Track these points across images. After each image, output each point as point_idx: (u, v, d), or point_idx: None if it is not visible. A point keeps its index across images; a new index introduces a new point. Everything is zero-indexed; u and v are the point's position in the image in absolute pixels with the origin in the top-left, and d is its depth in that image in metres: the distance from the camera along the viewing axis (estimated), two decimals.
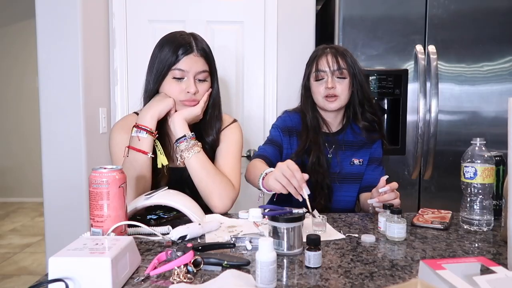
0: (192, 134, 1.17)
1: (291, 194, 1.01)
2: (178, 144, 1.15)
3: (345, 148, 1.37)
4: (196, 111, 1.18)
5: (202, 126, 1.25)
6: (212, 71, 1.23)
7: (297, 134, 1.37)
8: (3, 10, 4.84)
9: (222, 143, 1.27)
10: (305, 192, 1.00)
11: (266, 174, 1.10)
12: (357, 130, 1.38)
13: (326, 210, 1.32)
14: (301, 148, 1.33)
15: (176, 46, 1.15)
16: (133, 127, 1.14)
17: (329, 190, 1.34)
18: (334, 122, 1.38)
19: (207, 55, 1.20)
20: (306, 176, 1.01)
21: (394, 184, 1.10)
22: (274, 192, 1.10)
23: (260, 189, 1.14)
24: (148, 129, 1.12)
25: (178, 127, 1.15)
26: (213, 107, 1.26)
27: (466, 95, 1.92)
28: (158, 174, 1.18)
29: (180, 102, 1.17)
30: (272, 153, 1.33)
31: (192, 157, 1.15)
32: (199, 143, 1.18)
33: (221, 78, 2.17)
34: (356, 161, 1.37)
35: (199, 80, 1.18)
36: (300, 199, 1.02)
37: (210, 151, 1.24)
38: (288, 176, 0.99)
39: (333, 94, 1.30)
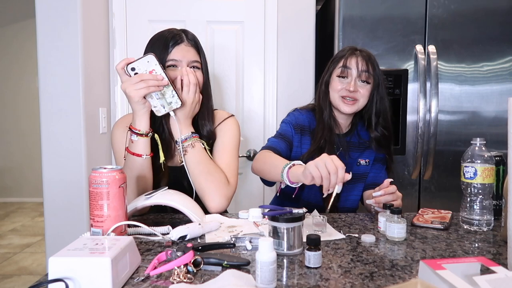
0: (193, 133, 1.16)
1: (299, 194, 0.99)
2: (179, 143, 1.15)
3: (352, 149, 1.36)
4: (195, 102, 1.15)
5: (195, 119, 1.23)
6: (203, 63, 1.22)
7: (310, 133, 1.35)
8: (3, 10, 4.84)
9: (219, 138, 1.26)
10: (337, 189, 0.96)
11: (294, 165, 1.06)
12: (362, 134, 1.37)
13: (334, 210, 1.32)
14: (316, 147, 1.29)
15: (166, 39, 1.16)
16: (128, 129, 1.12)
17: None
18: (345, 123, 1.37)
19: (198, 47, 1.21)
20: (348, 176, 0.96)
21: (389, 189, 1.09)
22: (296, 185, 1.07)
23: (277, 181, 1.10)
24: (138, 132, 1.09)
25: (181, 126, 1.14)
26: (205, 97, 1.23)
27: (466, 95, 1.92)
28: (159, 173, 1.18)
29: None
30: (283, 148, 1.30)
31: (187, 155, 1.14)
32: (198, 140, 1.17)
33: (221, 78, 2.19)
34: (362, 162, 1.37)
35: (193, 67, 1.18)
36: (325, 195, 0.98)
37: (207, 145, 1.22)
38: (331, 170, 0.95)
39: (353, 97, 1.28)
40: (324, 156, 0.98)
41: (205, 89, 1.23)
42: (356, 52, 1.30)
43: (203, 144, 1.18)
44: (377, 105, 1.32)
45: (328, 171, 0.95)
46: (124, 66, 1.04)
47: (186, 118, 1.15)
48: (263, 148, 1.30)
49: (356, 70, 1.27)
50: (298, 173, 1.02)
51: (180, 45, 1.16)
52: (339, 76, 1.30)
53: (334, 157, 0.97)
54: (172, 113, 1.11)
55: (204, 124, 1.24)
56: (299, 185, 1.08)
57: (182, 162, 1.16)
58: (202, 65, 1.22)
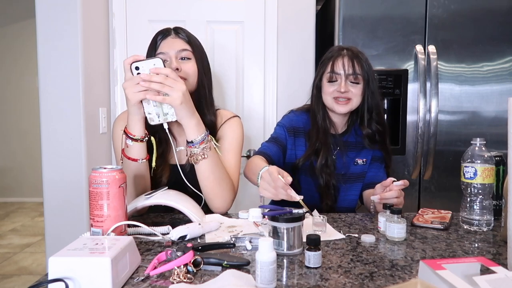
0: (206, 132, 1.09)
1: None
2: (192, 146, 1.07)
3: (349, 149, 1.36)
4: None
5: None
6: (196, 52, 1.19)
7: (305, 135, 1.35)
8: (3, 10, 4.84)
9: (222, 139, 1.24)
10: (295, 196, 0.96)
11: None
12: (360, 133, 1.37)
13: (332, 211, 1.32)
14: (311, 150, 1.30)
15: (155, 37, 1.19)
16: (123, 132, 1.08)
17: (335, 190, 1.34)
18: (340, 123, 1.37)
19: (188, 39, 1.19)
20: (289, 179, 0.95)
21: (407, 182, 1.09)
22: None
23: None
24: (133, 137, 1.06)
25: (191, 129, 1.06)
26: (201, 88, 1.20)
27: (466, 95, 1.92)
28: (158, 169, 1.17)
29: None
30: (274, 152, 1.30)
31: (206, 159, 1.09)
32: (212, 144, 1.11)
33: (221, 78, 2.19)
34: (359, 161, 1.37)
35: (182, 59, 1.17)
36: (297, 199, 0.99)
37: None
38: (273, 187, 0.96)
39: (346, 97, 1.28)
40: (263, 175, 0.99)
41: (200, 79, 1.20)
42: (342, 53, 1.30)
43: (213, 141, 1.14)
44: (368, 100, 1.32)
45: (272, 188, 0.96)
46: (131, 62, 1.01)
47: (191, 116, 1.05)
48: (255, 153, 1.31)
49: (344, 72, 1.28)
50: (260, 192, 1.02)
51: (167, 38, 1.18)
52: (329, 81, 1.31)
53: (271, 170, 0.97)
54: (165, 125, 1.07)
55: (203, 115, 1.17)
56: None
57: (182, 161, 1.16)
58: (195, 54, 1.19)
